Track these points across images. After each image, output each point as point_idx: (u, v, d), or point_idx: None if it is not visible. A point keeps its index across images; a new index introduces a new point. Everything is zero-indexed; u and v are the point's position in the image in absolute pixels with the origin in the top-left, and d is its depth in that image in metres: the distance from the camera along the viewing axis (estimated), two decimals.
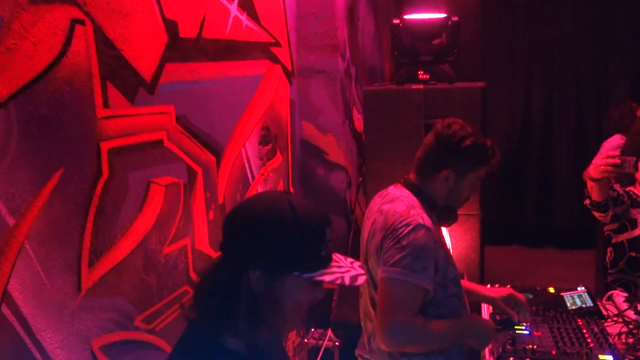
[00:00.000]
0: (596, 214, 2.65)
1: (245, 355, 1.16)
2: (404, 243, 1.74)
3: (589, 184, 2.51)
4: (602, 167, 2.36)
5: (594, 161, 4.25)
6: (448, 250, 2.03)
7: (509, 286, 2.28)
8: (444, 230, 2.89)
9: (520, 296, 2.10)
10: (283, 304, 1.15)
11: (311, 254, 1.13)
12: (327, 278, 1.14)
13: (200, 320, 1.17)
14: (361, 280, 1.16)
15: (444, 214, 1.90)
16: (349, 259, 1.22)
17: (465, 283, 2.19)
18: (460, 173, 1.85)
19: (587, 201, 2.60)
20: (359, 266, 1.21)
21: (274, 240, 1.12)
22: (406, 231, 1.74)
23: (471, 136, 1.85)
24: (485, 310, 2.41)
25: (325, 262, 1.15)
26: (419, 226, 1.75)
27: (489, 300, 2.17)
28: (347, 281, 1.14)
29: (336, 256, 1.20)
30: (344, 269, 1.17)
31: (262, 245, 1.12)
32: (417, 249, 1.73)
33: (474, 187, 1.93)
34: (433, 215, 1.86)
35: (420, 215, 1.79)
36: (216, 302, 1.14)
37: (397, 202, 1.86)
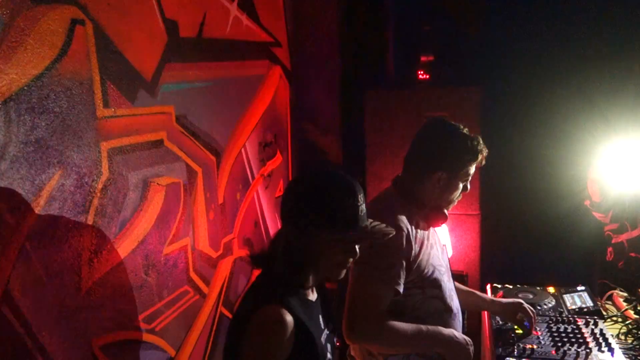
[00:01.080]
0: (596, 215, 2.65)
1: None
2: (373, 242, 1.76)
3: (589, 183, 2.52)
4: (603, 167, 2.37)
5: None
6: (443, 252, 2.02)
7: (519, 298, 2.29)
8: (445, 232, 2.91)
9: (526, 310, 2.09)
10: (321, 256, 1.44)
11: (346, 217, 1.40)
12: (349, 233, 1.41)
13: (268, 273, 1.48)
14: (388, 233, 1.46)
15: (432, 214, 1.90)
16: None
17: (474, 293, 2.19)
18: (453, 172, 1.86)
19: (587, 202, 2.61)
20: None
21: (316, 205, 1.39)
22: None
23: (460, 134, 1.86)
24: (486, 313, 2.41)
25: (354, 222, 1.42)
26: (389, 225, 1.77)
27: (498, 312, 2.18)
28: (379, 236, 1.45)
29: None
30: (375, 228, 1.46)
31: (308, 210, 1.40)
32: (386, 248, 1.74)
33: (466, 184, 1.92)
34: (419, 216, 1.87)
35: (394, 215, 1.81)
36: (279, 257, 1.44)
37: (377, 202, 1.93)
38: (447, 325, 1.88)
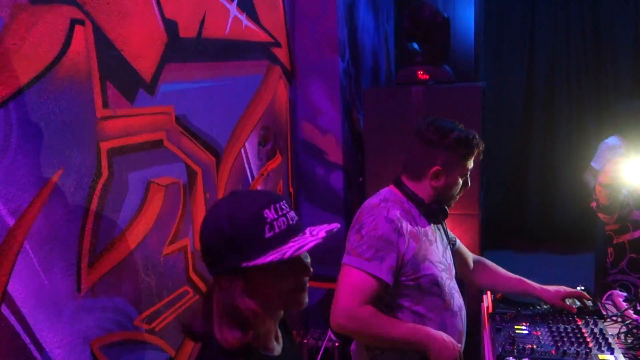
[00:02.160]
0: (601, 216, 2.65)
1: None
2: (362, 232, 1.79)
3: (598, 188, 2.51)
4: (613, 172, 2.36)
5: (592, 162, 4.26)
6: (446, 250, 2.02)
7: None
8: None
9: (574, 293, 2.19)
10: (267, 295, 1.15)
11: (253, 241, 1.11)
12: (271, 257, 1.10)
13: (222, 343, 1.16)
14: (309, 246, 1.11)
15: (432, 210, 1.92)
16: (320, 227, 1.17)
17: (523, 281, 2.23)
18: (449, 168, 1.87)
19: (593, 204, 2.60)
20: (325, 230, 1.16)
21: (219, 244, 1.12)
22: (367, 221, 1.80)
23: (454, 130, 1.89)
24: (485, 308, 2.40)
25: (276, 242, 1.11)
26: (380, 218, 1.79)
27: (548, 299, 2.22)
28: (307, 248, 1.11)
29: (309, 229, 1.17)
30: (307, 238, 1.13)
31: (215, 252, 1.13)
32: (374, 238, 1.76)
33: (465, 180, 1.93)
34: (418, 212, 1.89)
35: (387, 208, 1.83)
36: (234, 316, 1.14)
37: (375, 197, 1.93)
38: (447, 323, 1.88)
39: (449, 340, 1.80)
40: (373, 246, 1.75)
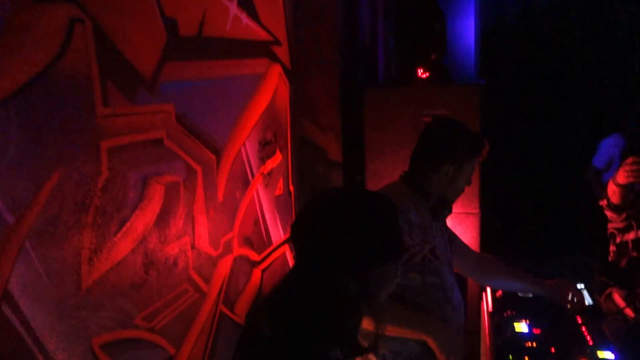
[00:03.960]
0: (609, 214, 2.65)
1: None
2: None
3: (612, 187, 2.50)
4: (630, 172, 2.35)
5: (593, 161, 4.26)
6: (447, 247, 2.08)
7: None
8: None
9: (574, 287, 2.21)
10: (378, 296, 1.16)
11: (398, 242, 1.18)
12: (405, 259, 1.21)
13: (294, 337, 1.09)
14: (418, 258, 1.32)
15: (438, 206, 2.00)
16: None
17: (523, 276, 2.25)
18: (459, 165, 1.96)
19: (604, 202, 2.60)
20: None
21: (367, 239, 1.11)
22: None
23: (463, 128, 2.00)
24: (486, 306, 2.41)
25: (404, 249, 1.23)
26: None
27: (548, 294, 2.23)
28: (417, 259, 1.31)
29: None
30: (417, 248, 1.30)
31: (356, 248, 1.10)
32: None
33: (470, 178, 2.02)
34: (424, 206, 1.97)
35: (396, 199, 1.82)
36: (315, 313, 1.08)
37: (383, 188, 2.05)
38: (447, 317, 1.92)
39: (453, 329, 1.85)
40: None
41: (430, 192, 1.98)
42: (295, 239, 1.17)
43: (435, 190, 1.98)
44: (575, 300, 2.19)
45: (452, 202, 2.05)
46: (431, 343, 1.78)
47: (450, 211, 2.05)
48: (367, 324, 1.71)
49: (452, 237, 2.18)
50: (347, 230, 1.10)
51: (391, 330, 1.84)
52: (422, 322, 1.82)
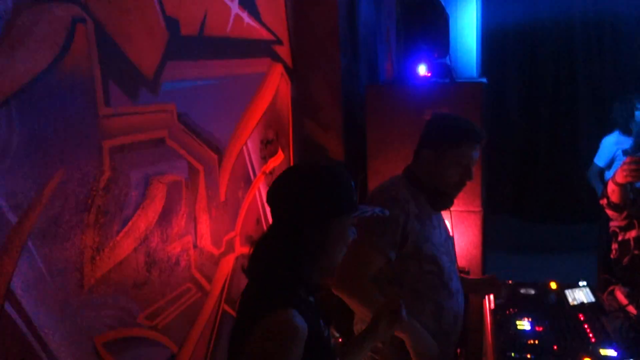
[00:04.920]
0: (610, 213, 2.64)
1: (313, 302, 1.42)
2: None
3: (611, 186, 2.50)
4: (628, 172, 2.35)
5: (595, 159, 4.25)
6: (449, 239, 2.12)
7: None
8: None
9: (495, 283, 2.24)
10: (334, 247, 1.39)
11: (350, 199, 1.38)
12: (357, 213, 1.40)
13: (271, 277, 1.36)
14: (368, 213, 1.44)
15: (433, 197, 2.01)
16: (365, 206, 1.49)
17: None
18: (439, 152, 1.95)
19: (604, 201, 2.60)
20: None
21: (321, 196, 1.34)
22: (376, 199, 1.99)
23: (449, 118, 2.03)
24: (488, 304, 2.41)
25: (356, 206, 1.41)
26: (389, 197, 1.94)
27: (471, 290, 2.29)
28: (368, 214, 1.44)
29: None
30: (369, 210, 1.46)
31: (313, 203, 1.34)
32: (382, 215, 1.83)
33: (462, 169, 1.97)
34: (423, 198, 2.00)
35: (395, 190, 1.97)
36: (284, 259, 1.35)
37: (384, 183, 2.10)
38: (444, 304, 1.96)
39: (434, 344, 1.86)
40: (381, 222, 1.81)
41: (422, 180, 2.00)
42: (270, 201, 1.41)
43: (424, 178, 1.99)
44: (495, 295, 2.28)
45: (449, 194, 2.03)
46: (407, 343, 1.84)
47: (450, 202, 2.05)
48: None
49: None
50: (307, 190, 1.35)
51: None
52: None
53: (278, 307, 1.28)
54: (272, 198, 1.41)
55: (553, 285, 2.52)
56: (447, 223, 2.19)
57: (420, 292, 1.94)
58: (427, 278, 1.95)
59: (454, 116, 2.06)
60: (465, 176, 1.98)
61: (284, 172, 1.44)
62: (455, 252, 2.15)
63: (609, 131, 4.31)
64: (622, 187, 2.46)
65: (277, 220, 1.41)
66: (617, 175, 2.43)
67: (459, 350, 2.53)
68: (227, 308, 2.36)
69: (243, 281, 2.52)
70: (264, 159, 2.75)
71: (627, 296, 2.38)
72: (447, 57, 3.27)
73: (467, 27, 4.45)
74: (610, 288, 2.49)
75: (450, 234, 2.18)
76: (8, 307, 1.29)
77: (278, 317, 1.27)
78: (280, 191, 1.40)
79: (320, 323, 1.43)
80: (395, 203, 1.91)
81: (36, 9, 1.37)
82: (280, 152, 2.93)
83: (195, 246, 2.10)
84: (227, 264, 2.36)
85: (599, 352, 1.92)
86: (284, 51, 2.95)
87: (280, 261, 1.35)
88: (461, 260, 3.21)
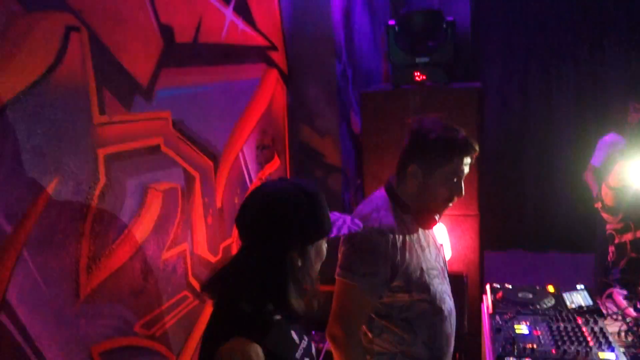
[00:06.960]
0: (605, 216, 2.65)
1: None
2: (355, 245, 1.77)
3: (605, 190, 2.51)
4: (621, 175, 2.36)
5: (591, 160, 4.26)
6: (439, 253, 1.98)
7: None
8: (444, 232, 2.90)
9: None
10: (315, 269, 1.39)
11: (328, 220, 1.37)
12: (335, 233, 1.39)
13: (242, 298, 1.31)
14: (344, 230, 1.42)
15: (418, 216, 1.84)
16: (337, 214, 1.46)
17: None
18: (428, 168, 1.77)
19: (598, 204, 2.60)
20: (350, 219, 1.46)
21: (302, 221, 1.31)
22: (360, 233, 1.62)
23: (439, 130, 1.77)
24: (486, 308, 2.41)
25: (331, 226, 1.40)
26: (373, 230, 1.74)
27: None
28: (344, 231, 1.42)
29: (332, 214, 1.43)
30: (339, 222, 1.43)
31: (293, 230, 1.30)
32: (366, 252, 1.74)
33: (453, 184, 1.79)
34: (408, 218, 1.83)
35: (379, 219, 1.77)
36: (263, 284, 1.31)
37: (366, 204, 1.89)
38: (436, 327, 1.85)
39: None
40: (367, 261, 1.73)
41: (407, 202, 1.81)
42: (241, 225, 1.35)
43: (411, 199, 1.81)
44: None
45: (439, 212, 1.85)
46: None
47: (433, 221, 1.86)
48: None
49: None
50: (285, 216, 1.30)
51: None
52: None
53: (239, 335, 1.25)
54: (244, 223, 1.34)
55: (551, 288, 2.52)
56: (440, 226, 2.06)
57: (412, 321, 1.82)
58: (418, 306, 1.82)
59: (442, 126, 1.79)
60: (455, 191, 1.80)
61: (254, 195, 1.36)
62: (446, 264, 2.01)
63: (605, 132, 4.32)
64: (616, 190, 2.47)
65: (251, 245, 1.34)
66: (611, 179, 2.44)
67: (457, 355, 2.53)
68: None
69: None
70: (260, 164, 2.74)
71: (625, 299, 2.38)
72: (443, 61, 3.26)
73: (462, 30, 4.45)
74: (609, 291, 2.50)
75: (439, 243, 2.02)
76: (3, 317, 1.29)
77: (234, 346, 1.24)
78: (255, 216, 1.32)
79: (294, 337, 1.39)
80: (381, 236, 1.74)
81: (30, 18, 1.36)
82: (276, 157, 2.93)
83: (191, 253, 2.10)
84: None
85: (598, 356, 1.91)
86: (279, 57, 2.96)
87: (257, 287, 1.31)
88: (459, 265, 3.22)
